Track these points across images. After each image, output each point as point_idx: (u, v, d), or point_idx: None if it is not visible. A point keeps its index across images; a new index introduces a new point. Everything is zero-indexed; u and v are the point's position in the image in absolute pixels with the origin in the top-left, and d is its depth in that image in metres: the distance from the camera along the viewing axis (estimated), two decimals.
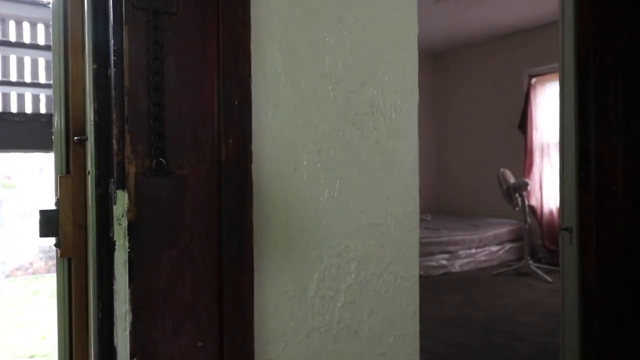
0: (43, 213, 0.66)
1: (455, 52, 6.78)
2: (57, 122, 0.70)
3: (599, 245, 1.58)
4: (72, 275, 0.68)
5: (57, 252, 0.69)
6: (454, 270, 5.06)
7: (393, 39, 0.77)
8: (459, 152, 6.79)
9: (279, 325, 0.66)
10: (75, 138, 0.66)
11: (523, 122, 5.74)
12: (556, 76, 5.46)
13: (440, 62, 7.01)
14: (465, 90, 6.69)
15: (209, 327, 0.57)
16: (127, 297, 0.53)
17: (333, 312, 0.71)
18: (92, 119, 0.57)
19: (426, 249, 4.93)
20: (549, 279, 4.70)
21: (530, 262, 5.01)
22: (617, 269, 1.59)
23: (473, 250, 5.29)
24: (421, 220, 6.07)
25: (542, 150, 5.64)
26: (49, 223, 0.66)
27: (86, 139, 0.64)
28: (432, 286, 4.62)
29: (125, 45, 0.52)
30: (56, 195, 0.69)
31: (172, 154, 0.54)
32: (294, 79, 0.67)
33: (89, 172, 0.59)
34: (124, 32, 0.52)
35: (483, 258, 5.29)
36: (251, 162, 0.59)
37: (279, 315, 0.66)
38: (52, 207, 0.70)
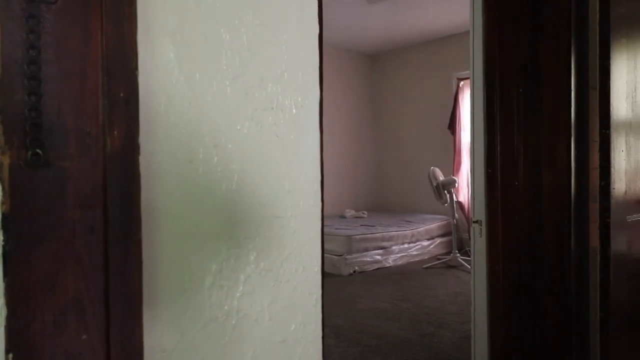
0: None
1: (390, 53, 7.00)
2: None
3: (504, 236, 1.72)
4: None
5: None
6: (387, 265, 5.24)
7: (293, 37, 0.80)
8: (394, 151, 7.03)
9: (173, 317, 0.66)
10: None
11: (452, 123, 6.04)
12: None
13: (376, 63, 7.20)
14: (399, 91, 6.93)
15: (94, 320, 0.56)
16: (2, 291, 0.51)
17: (232, 302, 0.73)
18: None
19: (361, 245, 5.06)
20: None
21: (458, 255, 5.29)
22: (519, 256, 1.73)
23: (406, 245, 5.49)
24: (358, 217, 6.22)
25: (468, 149, 5.96)
26: None
27: None
28: (366, 280, 4.75)
29: None
30: None
31: (51, 145, 0.54)
32: (188, 72, 0.68)
33: None
34: None
35: (415, 252, 5.51)
36: (139, 154, 0.59)
37: (174, 307, 0.66)
38: None
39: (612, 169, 1.71)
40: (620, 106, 1.74)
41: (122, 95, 0.58)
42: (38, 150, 0.52)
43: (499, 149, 1.72)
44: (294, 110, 0.81)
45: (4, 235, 0.52)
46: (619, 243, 1.73)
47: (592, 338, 1.72)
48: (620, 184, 1.73)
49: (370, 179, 7.15)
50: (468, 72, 5.99)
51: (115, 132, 0.57)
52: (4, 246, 0.52)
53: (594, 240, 1.75)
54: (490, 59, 1.72)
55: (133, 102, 0.59)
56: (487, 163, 1.73)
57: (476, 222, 1.79)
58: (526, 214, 1.70)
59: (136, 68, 0.59)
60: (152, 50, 0.64)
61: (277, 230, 0.78)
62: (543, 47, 1.68)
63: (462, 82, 6.01)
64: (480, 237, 1.78)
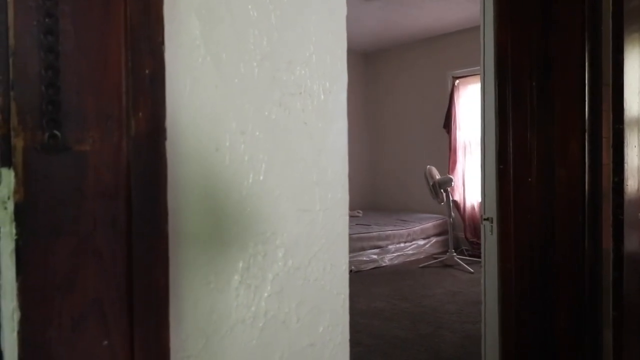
0: None
1: (384, 52, 6.97)
2: None
3: (516, 233, 1.68)
4: None
5: None
6: (383, 264, 5.20)
7: (321, 19, 0.75)
8: (389, 150, 6.99)
9: (199, 320, 0.60)
10: None
11: (447, 122, 6.03)
12: (477, 78, 5.78)
13: (370, 61, 7.16)
14: (394, 89, 6.89)
15: (116, 324, 0.50)
16: (15, 292, 0.45)
17: (259, 303, 0.67)
18: None
19: (357, 245, 5.02)
20: (471, 270, 4.97)
21: (454, 254, 5.27)
22: (532, 254, 1.70)
23: (402, 245, 5.46)
24: (353, 216, 6.17)
25: (464, 148, 5.96)
26: None
27: None
28: (363, 280, 4.71)
29: None
30: None
31: (70, 127, 0.47)
32: (214, 52, 0.62)
33: None
34: None
35: (411, 252, 5.48)
36: (165, 139, 0.53)
37: (199, 308, 0.60)
38: None
39: (625, 166, 1.68)
40: (633, 101, 1.71)
41: (147, 72, 0.52)
42: (56, 132, 0.46)
43: (511, 144, 1.68)
44: (322, 96, 0.75)
45: (16, 228, 0.45)
46: (633, 241, 1.70)
47: (605, 338, 1.69)
48: (633, 181, 1.71)
49: (365, 177, 7.11)
50: (464, 70, 5.96)
51: (140, 114, 0.51)
52: (17, 240, 0.45)
53: (607, 238, 1.72)
54: (502, 54, 1.68)
55: (159, 80, 0.53)
56: (499, 159, 1.69)
57: (487, 219, 1.75)
58: (539, 211, 1.67)
59: (162, 42, 0.53)
60: (178, 26, 0.58)
61: (305, 225, 0.73)
62: (555, 41, 1.65)
63: (457, 81, 6.00)
64: (492, 234, 1.74)
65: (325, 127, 0.76)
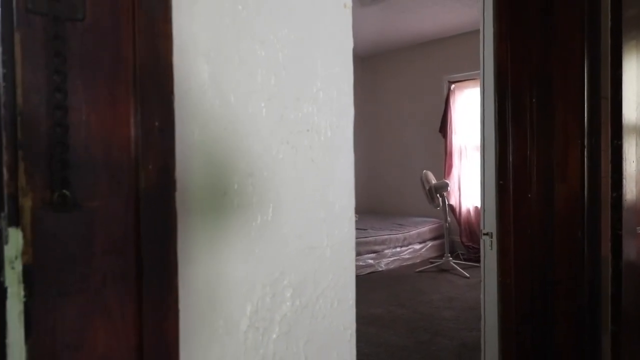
0: None
1: (381, 56, 6.97)
2: None
3: (516, 248, 1.68)
4: None
5: None
6: (380, 269, 5.20)
7: (327, 54, 0.74)
8: (385, 154, 7.00)
9: None
10: None
11: (443, 126, 6.04)
12: (473, 83, 5.80)
13: (367, 65, 7.17)
14: (390, 93, 6.90)
15: None
16: (24, 355, 0.44)
17: (267, 345, 0.66)
18: None
19: None
20: (467, 275, 4.98)
21: (450, 258, 5.28)
22: (531, 269, 1.70)
23: (398, 249, 5.46)
24: None
25: (460, 152, 5.97)
26: None
27: None
28: (360, 285, 4.70)
29: (17, 56, 0.44)
30: None
31: (79, 184, 0.46)
32: (222, 94, 0.61)
33: None
34: (16, 40, 0.44)
35: (407, 256, 5.49)
36: (175, 190, 0.53)
37: (208, 355, 0.60)
38: None
39: (624, 181, 1.69)
40: (631, 115, 1.72)
41: (157, 124, 0.51)
42: (65, 192, 0.45)
43: (511, 159, 1.68)
44: (329, 133, 0.74)
45: (25, 290, 0.44)
46: (631, 255, 1.71)
47: (604, 350, 1.69)
48: (631, 195, 1.71)
49: (360, 181, 7.10)
50: (460, 75, 5.97)
51: (150, 166, 0.50)
52: (25, 303, 0.44)
53: (605, 252, 1.73)
54: (502, 69, 1.68)
55: (169, 130, 0.52)
56: (499, 175, 1.70)
57: (486, 234, 1.75)
58: (538, 226, 1.67)
59: (172, 92, 0.52)
60: (187, 71, 0.57)
61: (313, 262, 0.72)
62: (555, 56, 1.65)
63: (453, 85, 6.01)
64: (491, 249, 1.74)
65: (332, 162, 0.75)
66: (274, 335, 0.67)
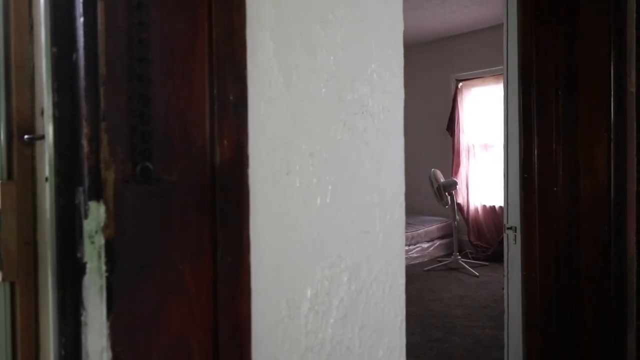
0: None
1: None
2: None
3: (541, 242, 1.67)
4: (16, 301, 0.56)
5: None
6: None
7: (381, 35, 0.73)
8: None
9: (272, 350, 0.59)
10: (25, 137, 0.54)
11: (450, 125, 6.03)
12: (481, 81, 5.79)
13: None
14: None
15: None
16: (106, 331, 0.43)
17: (326, 329, 0.65)
18: (50, 113, 0.46)
19: None
20: (476, 274, 4.96)
21: (459, 257, 5.27)
22: (557, 264, 1.69)
23: (406, 248, 5.44)
24: None
25: (467, 151, 5.95)
26: None
27: (40, 138, 0.53)
28: None
29: (100, 26, 0.43)
30: None
31: (159, 158, 0.46)
32: (286, 72, 0.60)
33: (46, 178, 0.48)
34: (99, 9, 0.43)
35: (415, 255, 5.48)
36: (247, 167, 0.52)
37: (273, 338, 0.59)
38: None
39: None
40: None
41: (231, 98, 0.50)
42: (148, 164, 0.44)
43: (536, 153, 1.67)
44: (382, 115, 0.73)
45: (107, 265, 0.44)
46: None
47: (630, 348, 1.68)
48: None
49: None
50: (467, 73, 5.94)
51: (225, 142, 0.49)
52: (107, 277, 0.43)
53: (632, 247, 1.71)
54: (527, 62, 1.67)
55: (242, 106, 0.51)
56: (524, 168, 1.68)
57: (510, 228, 1.74)
58: (564, 220, 1.66)
59: (245, 67, 0.51)
60: (253, 46, 0.56)
61: (366, 247, 0.71)
62: (580, 48, 1.64)
63: (460, 84, 6.00)
64: (515, 244, 1.73)
65: (385, 146, 0.74)
66: (332, 320, 0.66)
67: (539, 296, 1.69)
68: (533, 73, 1.66)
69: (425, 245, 5.63)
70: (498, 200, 5.61)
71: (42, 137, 0.52)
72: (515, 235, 1.73)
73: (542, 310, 1.69)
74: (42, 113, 0.57)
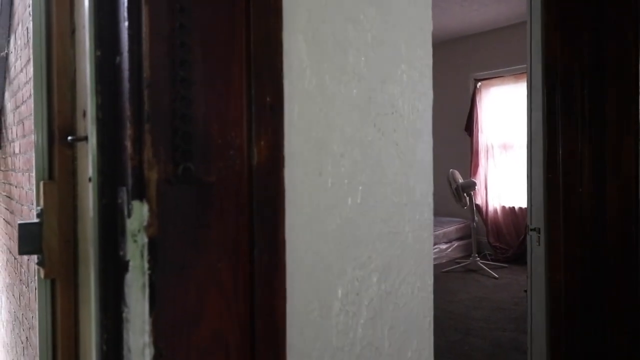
0: (23, 227, 0.55)
1: None
2: (38, 118, 0.59)
3: (566, 244, 1.64)
4: (56, 298, 0.58)
5: (38, 272, 0.58)
6: None
7: (410, 35, 0.73)
8: None
9: (303, 349, 0.59)
10: (68, 138, 0.56)
11: (469, 125, 5.97)
12: (500, 80, 5.72)
13: None
14: None
15: (238, 357, 0.49)
16: (149, 327, 0.44)
17: (356, 329, 0.65)
18: (93, 115, 0.48)
19: None
20: (495, 275, 4.91)
21: (477, 258, 5.21)
22: (582, 266, 1.66)
23: None
24: None
25: (486, 151, 5.89)
26: (30, 238, 0.55)
27: (82, 139, 0.54)
28: None
29: (145, 29, 0.44)
30: (38, 204, 0.58)
31: (200, 158, 0.46)
32: (318, 74, 0.60)
33: (89, 178, 0.49)
34: (143, 13, 0.44)
35: (434, 256, 5.43)
36: (283, 167, 0.52)
37: (305, 337, 0.59)
38: (34, 219, 0.58)
39: None
40: None
41: (268, 99, 0.51)
42: (189, 165, 0.45)
43: (560, 153, 1.65)
44: (412, 116, 0.73)
45: (149, 263, 0.45)
46: None
47: None
48: None
49: None
50: (486, 72, 5.87)
51: (262, 143, 0.50)
52: (150, 275, 0.44)
53: None
54: (552, 59, 1.65)
55: (279, 107, 0.52)
56: (548, 168, 1.66)
57: (534, 229, 1.72)
58: (590, 222, 1.63)
59: (282, 69, 0.52)
60: (288, 49, 0.56)
61: (396, 247, 0.71)
62: (607, 45, 1.61)
63: (479, 83, 5.94)
64: (539, 245, 1.70)
65: (414, 146, 0.74)
66: (362, 320, 0.66)
67: (563, 298, 1.66)
68: (557, 72, 1.63)
69: (444, 246, 5.59)
70: (518, 201, 5.53)
71: (84, 139, 0.53)
72: (539, 237, 1.71)
73: (566, 312, 1.66)
74: (84, 115, 0.58)
